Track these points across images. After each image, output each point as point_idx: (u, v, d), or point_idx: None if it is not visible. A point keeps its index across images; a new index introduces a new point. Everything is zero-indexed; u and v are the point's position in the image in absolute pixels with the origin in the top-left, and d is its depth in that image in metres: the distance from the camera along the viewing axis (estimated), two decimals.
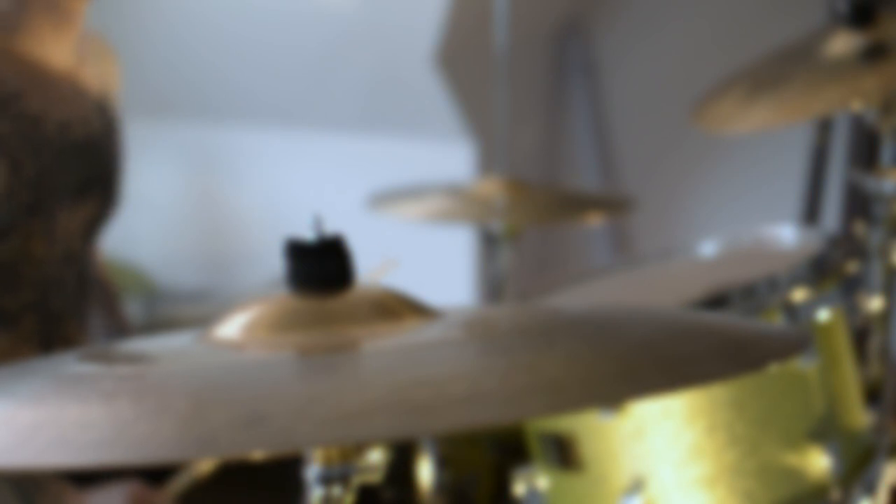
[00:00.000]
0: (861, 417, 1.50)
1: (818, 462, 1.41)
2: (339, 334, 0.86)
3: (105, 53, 1.68)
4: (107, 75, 1.67)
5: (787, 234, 1.71)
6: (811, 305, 1.46)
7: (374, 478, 0.85)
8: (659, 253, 1.82)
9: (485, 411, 0.70)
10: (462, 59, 2.93)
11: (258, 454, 0.67)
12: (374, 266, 1.89)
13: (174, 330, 1.01)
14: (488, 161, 2.93)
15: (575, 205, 2.31)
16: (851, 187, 2.78)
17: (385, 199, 2.19)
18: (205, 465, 1.55)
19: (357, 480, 0.84)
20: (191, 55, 3.14)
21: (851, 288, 1.59)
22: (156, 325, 3.07)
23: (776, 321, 1.45)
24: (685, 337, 0.82)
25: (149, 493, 1.51)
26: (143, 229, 3.31)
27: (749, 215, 3.07)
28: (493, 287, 2.14)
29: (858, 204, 2.66)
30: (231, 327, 0.88)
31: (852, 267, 1.56)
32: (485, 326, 0.92)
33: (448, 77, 2.92)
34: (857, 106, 1.74)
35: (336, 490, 0.83)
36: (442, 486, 1.68)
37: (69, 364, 0.88)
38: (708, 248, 1.77)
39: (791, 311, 1.45)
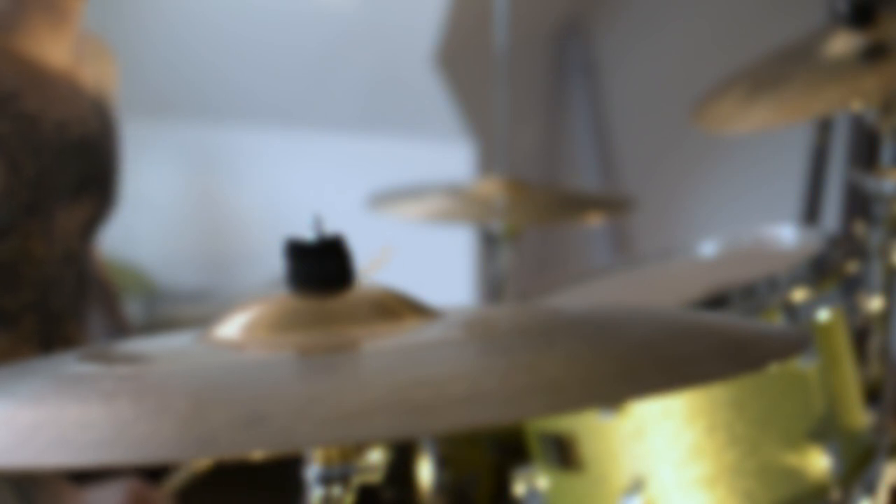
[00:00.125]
0: (861, 417, 1.50)
1: (818, 462, 1.41)
2: (339, 334, 0.86)
3: (103, 53, 1.68)
4: (104, 75, 1.67)
5: (787, 234, 1.71)
6: (811, 305, 1.46)
7: (374, 478, 0.85)
8: (659, 253, 1.82)
9: (485, 411, 0.70)
10: (462, 59, 2.93)
11: (258, 454, 0.67)
12: (371, 256, 1.89)
13: (174, 330, 1.01)
14: (488, 161, 2.93)
15: (575, 205, 2.31)
16: (851, 187, 2.78)
17: (385, 199, 2.19)
18: (202, 462, 1.55)
19: (357, 480, 0.84)
20: (191, 55, 3.14)
21: (851, 288, 1.59)
22: (156, 325, 3.07)
23: (776, 321, 1.45)
24: (685, 337, 0.82)
25: (147, 489, 1.51)
26: (143, 229, 3.31)
27: (749, 215, 3.07)
28: (493, 287, 2.14)
29: (858, 204, 2.66)
30: (231, 327, 0.88)
31: (852, 267, 1.56)
32: (485, 326, 0.92)
33: (448, 77, 2.92)
34: (857, 106, 1.74)
35: (336, 490, 0.83)
36: (442, 486, 1.68)
37: (69, 364, 0.88)
38: (708, 248, 1.77)
39: (791, 311, 1.45)
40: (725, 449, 1.39)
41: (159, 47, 3.16)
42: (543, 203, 2.19)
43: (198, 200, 3.44)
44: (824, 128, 2.83)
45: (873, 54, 1.68)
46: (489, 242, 2.14)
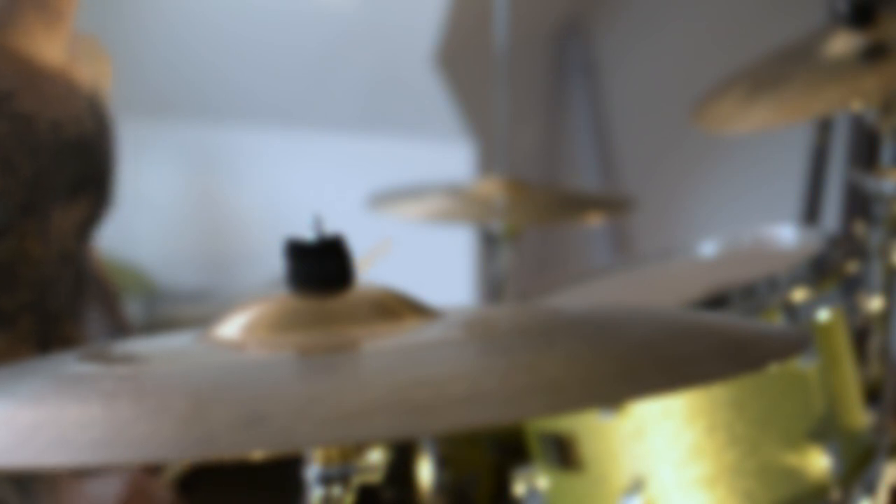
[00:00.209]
0: (861, 417, 1.50)
1: (818, 462, 1.41)
2: (339, 334, 0.86)
3: (97, 53, 1.68)
4: (100, 74, 1.67)
5: (787, 234, 1.71)
6: (811, 305, 1.46)
7: (374, 478, 0.85)
8: (659, 253, 1.82)
9: (485, 411, 0.70)
10: (462, 59, 2.93)
11: (258, 454, 0.67)
12: (369, 249, 1.89)
13: (174, 330, 1.01)
14: (488, 161, 2.93)
15: (575, 205, 2.31)
16: (851, 187, 2.78)
17: (385, 199, 2.19)
18: None
19: (357, 480, 0.84)
20: (191, 55, 3.14)
21: (851, 288, 1.59)
22: (156, 325, 3.07)
23: (776, 321, 1.45)
24: (685, 337, 0.83)
25: (146, 479, 1.51)
26: (143, 229, 3.31)
27: (749, 215, 3.07)
28: (493, 287, 2.14)
29: (858, 204, 2.66)
30: (231, 327, 0.88)
31: (852, 267, 1.56)
32: (485, 326, 0.92)
33: (448, 77, 2.92)
34: (857, 106, 1.74)
35: (336, 490, 0.83)
36: (442, 486, 1.68)
37: (69, 364, 0.88)
38: (708, 248, 1.77)
39: (791, 311, 1.45)
40: (725, 449, 1.39)
41: (159, 47, 3.16)
42: (543, 203, 2.19)
43: (198, 200, 3.44)
44: (824, 128, 2.83)
45: (873, 54, 1.68)
46: (489, 242, 2.14)
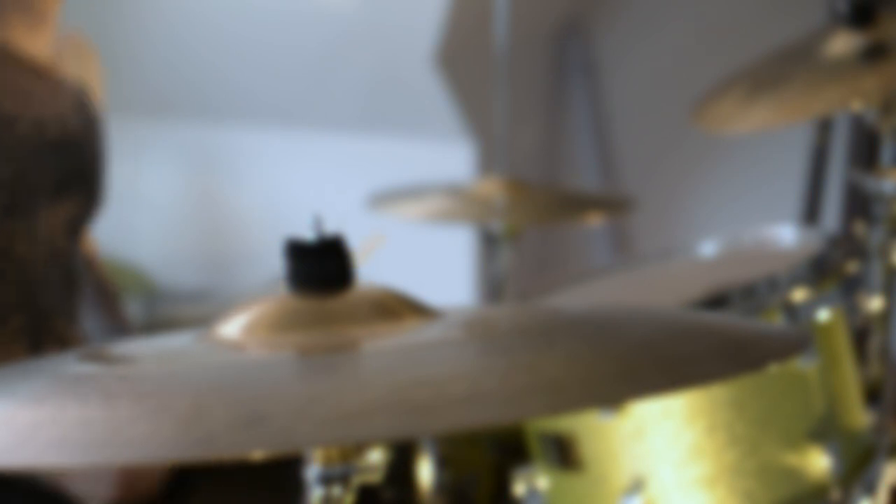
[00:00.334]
0: (861, 417, 1.50)
1: (818, 462, 1.41)
2: (339, 334, 0.86)
3: (85, 52, 1.69)
4: (87, 73, 1.67)
5: (787, 234, 1.71)
6: (811, 305, 1.46)
7: (374, 478, 0.85)
8: (659, 253, 1.82)
9: (485, 411, 0.70)
10: (462, 59, 2.93)
11: (258, 454, 0.67)
12: (362, 244, 1.89)
13: (174, 330, 1.01)
14: (488, 161, 2.93)
15: (575, 205, 2.31)
16: (851, 187, 2.78)
17: (385, 199, 2.19)
18: None
19: (357, 480, 0.84)
20: (191, 55, 3.14)
21: (851, 288, 1.59)
22: (156, 325, 3.07)
23: (776, 321, 1.45)
24: (685, 337, 0.83)
25: (136, 472, 1.51)
26: (143, 229, 3.31)
27: (749, 215, 3.07)
28: (493, 287, 2.14)
29: (858, 204, 2.66)
30: (231, 327, 0.88)
31: (852, 267, 1.56)
32: (485, 326, 0.92)
33: (448, 77, 2.92)
34: (857, 106, 1.74)
35: (336, 490, 0.83)
36: (442, 486, 1.68)
37: (69, 364, 0.88)
38: (708, 248, 1.77)
39: (791, 311, 1.45)
40: (725, 449, 1.39)
41: (159, 47, 3.16)
42: (543, 203, 2.19)
43: (198, 200, 3.44)
44: (824, 128, 2.83)
45: (873, 54, 1.68)
46: (489, 242, 2.14)
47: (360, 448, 0.84)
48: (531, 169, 3.14)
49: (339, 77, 3.05)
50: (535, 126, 3.23)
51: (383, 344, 0.85)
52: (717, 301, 1.45)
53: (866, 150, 2.69)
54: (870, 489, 1.43)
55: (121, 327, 1.79)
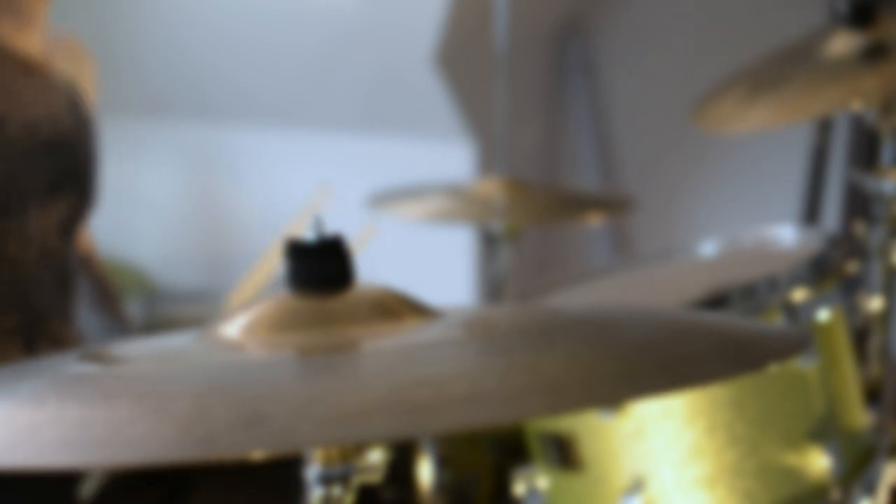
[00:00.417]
0: (861, 417, 1.50)
1: (818, 462, 1.41)
2: (339, 334, 0.86)
3: (78, 54, 1.69)
4: (79, 73, 1.67)
5: (787, 234, 1.71)
6: (811, 305, 1.46)
7: (374, 478, 0.85)
8: (659, 253, 1.82)
9: (485, 411, 0.70)
10: (462, 59, 2.93)
11: (258, 454, 0.67)
12: (356, 239, 1.89)
13: (174, 330, 1.01)
14: (488, 161, 2.93)
15: (575, 205, 2.31)
16: (851, 187, 2.78)
17: (385, 199, 2.19)
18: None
19: (357, 480, 0.84)
20: (191, 55, 3.14)
21: (851, 288, 1.59)
22: (156, 325, 3.07)
23: (776, 321, 1.45)
24: (685, 337, 0.82)
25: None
26: (143, 229, 3.31)
27: (749, 215, 3.08)
28: (493, 287, 2.14)
29: (858, 204, 2.66)
30: (231, 327, 0.88)
31: (852, 267, 1.56)
32: (485, 326, 0.92)
33: (448, 77, 2.92)
34: (857, 106, 1.74)
35: (336, 490, 0.83)
36: (442, 486, 1.68)
37: (69, 364, 0.88)
38: (708, 248, 1.77)
39: (791, 311, 1.45)
40: (725, 449, 1.39)
41: (159, 47, 3.16)
42: (543, 203, 2.19)
43: (198, 200, 3.44)
44: (824, 128, 2.83)
45: (873, 54, 1.68)
46: (489, 242, 2.14)
47: (360, 448, 0.84)
48: (531, 169, 3.14)
49: (339, 77, 3.05)
50: (535, 126, 3.23)
51: (383, 344, 0.85)
52: (717, 301, 1.45)
53: (866, 150, 2.69)
54: (870, 489, 1.43)
55: (120, 325, 1.79)
